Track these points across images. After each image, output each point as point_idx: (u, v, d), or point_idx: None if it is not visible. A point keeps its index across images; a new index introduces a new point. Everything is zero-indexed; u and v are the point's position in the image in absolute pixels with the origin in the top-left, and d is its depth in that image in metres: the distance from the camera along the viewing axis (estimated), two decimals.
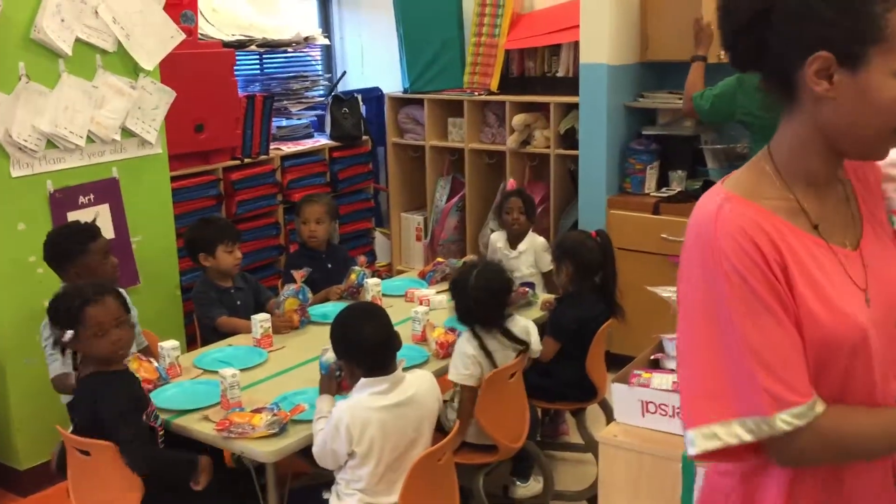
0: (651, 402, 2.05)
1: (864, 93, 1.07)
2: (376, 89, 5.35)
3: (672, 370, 2.18)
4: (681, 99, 4.14)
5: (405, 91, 5.16)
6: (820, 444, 1.10)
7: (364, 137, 5.13)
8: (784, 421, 1.07)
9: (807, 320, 1.10)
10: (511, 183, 4.62)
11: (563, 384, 3.22)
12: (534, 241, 3.94)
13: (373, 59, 5.49)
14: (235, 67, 4.40)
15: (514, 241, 3.96)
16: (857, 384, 1.14)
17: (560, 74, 4.72)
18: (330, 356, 2.53)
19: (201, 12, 4.24)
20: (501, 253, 3.97)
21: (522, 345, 2.87)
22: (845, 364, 1.13)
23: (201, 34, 4.25)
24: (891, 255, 1.22)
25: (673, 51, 4.17)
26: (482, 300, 2.79)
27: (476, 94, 4.89)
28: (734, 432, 1.08)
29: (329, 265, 3.82)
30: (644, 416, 2.06)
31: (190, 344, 3.73)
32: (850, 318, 1.12)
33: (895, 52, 1.06)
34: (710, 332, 1.11)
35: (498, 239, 4.03)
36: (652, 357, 2.26)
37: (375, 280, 3.64)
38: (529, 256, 3.92)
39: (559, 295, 3.45)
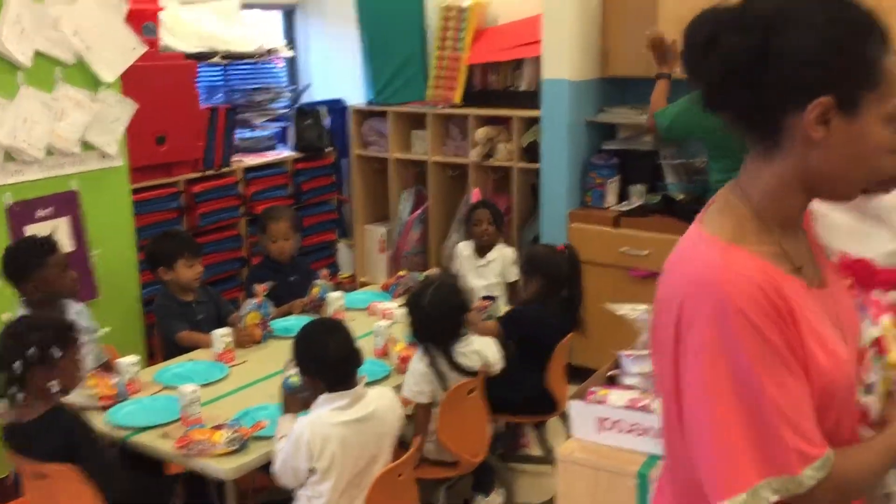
0: (607, 419, 2.08)
1: (856, 139, 1.06)
2: (340, 101, 5.36)
3: (629, 386, 2.22)
4: (641, 114, 4.23)
5: (369, 103, 5.19)
6: (833, 491, 1.08)
7: (328, 149, 5.14)
8: (809, 476, 1.05)
9: (812, 367, 1.08)
10: (476, 193, 4.67)
11: (523, 397, 3.25)
12: (503, 252, 3.99)
13: (337, 72, 5.50)
14: (198, 79, 4.39)
15: (482, 251, 4.01)
16: (844, 424, 1.15)
17: (522, 89, 4.77)
18: (293, 376, 2.53)
19: (163, 24, 4.22)
20: (469, 262, 4.02)
21: (471, 374, 2.88)
22: (838, 407, 1.13)
23: (163, 46, 4.23)
24: (844, 289, 1.24)
25: (633, 67, 4.24)
26: (437, 318, 2.81)
27: (439, 107, 4.93)
28: (761, 495, 1.04)
29: (292, 278, 3.81)
30: (601, 432, 2.09)
31: (152, 357, 3.71)
32: (843, 361, 1.12)
33: (886, 98, 1.06)
34: (730, 393, 1.04)
35: (464, 248, 4.07)
36: (609, 374, 2.30)
37: (338, 294, 3.65)
38: (497, 266, 3.97)
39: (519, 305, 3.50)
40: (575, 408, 2.12)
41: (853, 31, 1.05)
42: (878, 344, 1.31)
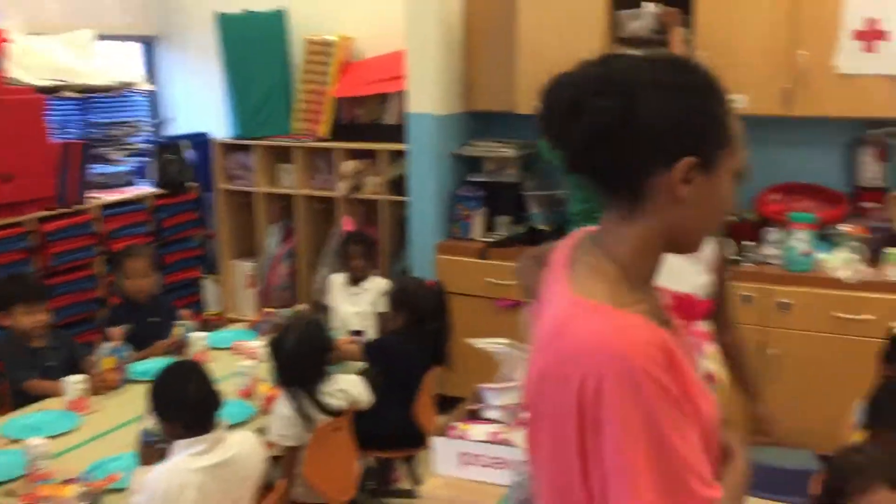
0: (468, 453, 2.10)
1: (712, 194, 1.12)
2: (204, 135, 5.24)
3: (490, 420, 2.25)
4: (504, 147, 4.35)
5: (234, 137, 5.10)
6: None
7: (191, 184, 5.00)
8: None
9: (698, 413, 1.11)
10: (346, 222, 4.66)
11: (391, 432, 3.24)
12: (377, 283, 4.01)
13: (200, 105, 5.38)
14: (51, 113, 4.20)
15: (356, 280, 4.04)
16: (714, 462, 1.18)
17: (389, 122, 4.80)
18: (150, 424, 2.43)
19: (10, 55, 4.02)
20: (342, 289, 4.01)
21: (338, 414, 2.85)
22: (713, 446, 1.17)
23: (10, 79, 4.03)
24: (683, 328, 1.29)
25: (496, 101, 4.36)
26: (301, 361, 2.77)
27: (305, 140, 4.90)
28: None
29: (152, 318, 3.68)
30: (463, 467, 2.11)
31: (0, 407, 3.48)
32: (713, 403, 1.16)
33: (734, 153, 1.12)
34: (647, 458, 1.04)
35: (338, 278, 4.06)
36: (470, 408, 2.33)
37: (201, 334, 3.55)
38: (371, 295, 3.98)
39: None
40: (437, 444, 2.13)
41: (707, 93, 1.11)
42: (711, 376, 1.39)
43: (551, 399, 1.10)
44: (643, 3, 3.91)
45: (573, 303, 1.12)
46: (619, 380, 1.03)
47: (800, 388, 3.71)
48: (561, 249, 1.25)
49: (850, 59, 3.63)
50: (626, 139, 1.08)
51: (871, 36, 3.58)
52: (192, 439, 2.29)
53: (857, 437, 2.27)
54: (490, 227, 4.52)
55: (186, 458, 2.28)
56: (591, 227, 1.24)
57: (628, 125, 1.07)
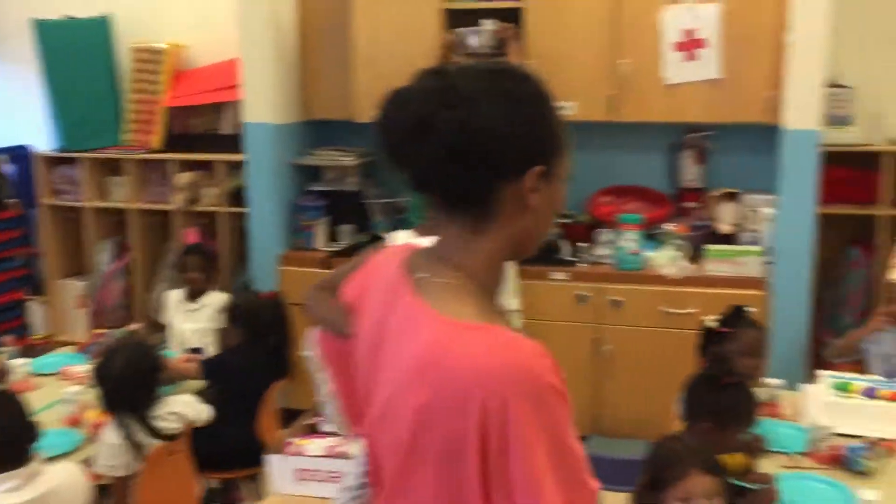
0: (305, 469, 2.07)
1: (552, 198, 1.14)
2: (24, 148, 4.93)
3: (328, 433, 2.22)
4: (344, 155, 4.34)
5: (57, 150, 4.82)
6: None
7: (11, 200, 4.69)
8: None
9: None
10: (188, 234, 4.50)
11: (232, 450, 3.15)
12: (216, 298, 3.88)
13: (19, 116, 5.06)
14: None
15: (194, 296, 3.89)
16: None
17: (225, 132, 4.68)
18: None
19: None
20: (179, 306, 3.85)
21: (172, 438, 2.75)
22: None
23: None
24: None
25: (335, 110, 4.33)
26: (128, 385, 2.64)
27: (137, 152, 4.69)
28: None
29: None
30: (299, 483, 2.07)
31: None
32: None
33: (564, 160, 1.15)
34: (553, 468, 1.03)
35: (174, 295, 3.92)
36: (307, 423, 2.29)
37: (23, 360, 3.34)
38: (210, 311, 3.84)
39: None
40: (272, 462, 2.09)
41: (544, 101, 1.13)
42: None
43: (442, 432, 1.04)
44: (481, 21, 4.00)
45: (445, 326, 1.06)
46: (524, 396, 1.01)
47: (633, 381, 3.89)
48: (381, 271, 1.22)
49: (673, 69, 3.83)
50: (478, 152, 1.06)
51: (690, 45, 3.81)
52: (4, 475, 2.14)
53: (677, 426, 2.39)
54: (333, 237, 4.48)
55: None
56: (415, 244, 1.22)
57: (479, 138, 1.06)
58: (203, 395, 3.01)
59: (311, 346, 1.44)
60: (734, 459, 2.17)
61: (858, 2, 3.97)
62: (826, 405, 2.65)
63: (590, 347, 3.92)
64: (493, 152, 1.07)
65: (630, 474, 2.41)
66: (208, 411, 2.91)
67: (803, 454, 2.48)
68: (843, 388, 2.73)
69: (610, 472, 2.29)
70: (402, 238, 2.14)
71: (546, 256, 3.96)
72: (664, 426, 2.79)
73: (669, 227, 4.00)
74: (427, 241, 1.19)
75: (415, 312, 1.10)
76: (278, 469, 2.09)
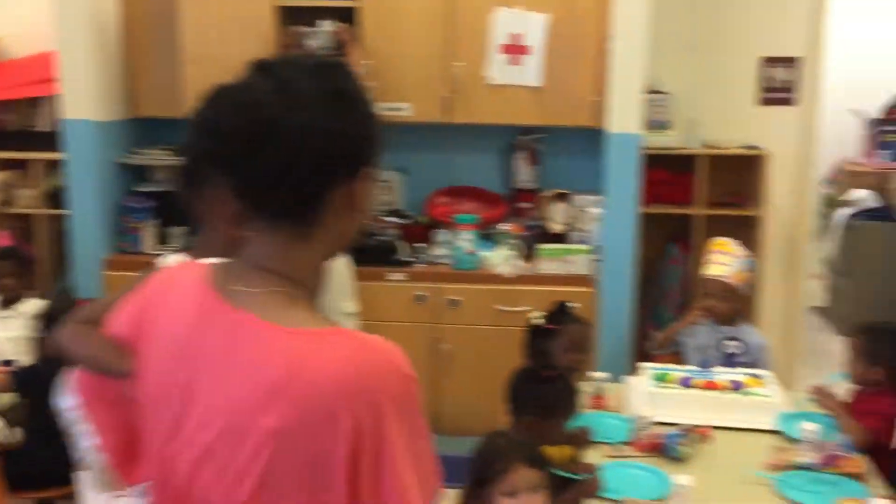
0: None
1: (367, 197, 1.11)
2: None
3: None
4: (175, 155, 4.16)
5: None
6: None
7: None
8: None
9: None
10: (2, 237, 4.19)
11: (49, 469, 2.94)
12: (32, 305, 3.62)
13: None
14: None
15: (8, 303, 3.64)
16: None
17: (42, 129, 4.38)
18: None
19: None
20: None
21: None
22: None
23: None
24: None
25: (163, 107, 4.14)
26: None
27: None
28: None
29: None
30: (114, 498, 1.96)
31: None
32: None
33: (378, 157, 1.12)
34: (416, 460, 1.03)
35: None
36: None
37: None
38: (25, 319, 3.59)
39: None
40: (82, 478, 1.96)
41: (368, 100, 1.10)
42: None
43: (306, 454, 0.97)
44: (318, 22, 3.94)
45: (292, 337, 1.00)
46: (397, 394, 1.00)
47: (471, 379, 3.95)
48: (170, 295, 1.13)
49: (498, 70, 3.92)
50: (319, 156, 1.03)
51: (515, 50, 3.90)
52: None
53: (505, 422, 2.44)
54: (163, 240, 4.30)
55: None
56: (207, 260, 1.14)
57: (320, 142, 1.02)
58: (14, 409, 2.80)
59: (68, 393, 1.26)
60: (560, 451, 2.24)
61: (676, 13, 4.21)
62: (646, 395, 2.78)
63: (428, 347, 3.95)
64: (333, 156, 1.04)
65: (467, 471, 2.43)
66: (16, 435, 2.71)
67: (626, 443, 2.59)
68: (661, 378, 2.88)
69: (450, 470, 2.31)
70: (174, 260, 2.00)
71: (384, 257, 3.96)
72: (498, 422, 2.84)
73: (504, 227, 4.09)
74: (211, 261, 1.12)
75: (243, 328, 1.02)
76: (88, 486, 1.96)
